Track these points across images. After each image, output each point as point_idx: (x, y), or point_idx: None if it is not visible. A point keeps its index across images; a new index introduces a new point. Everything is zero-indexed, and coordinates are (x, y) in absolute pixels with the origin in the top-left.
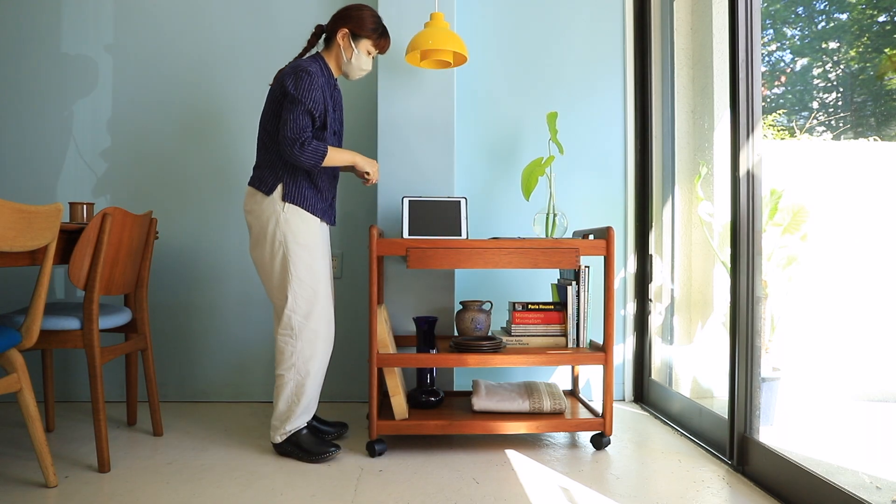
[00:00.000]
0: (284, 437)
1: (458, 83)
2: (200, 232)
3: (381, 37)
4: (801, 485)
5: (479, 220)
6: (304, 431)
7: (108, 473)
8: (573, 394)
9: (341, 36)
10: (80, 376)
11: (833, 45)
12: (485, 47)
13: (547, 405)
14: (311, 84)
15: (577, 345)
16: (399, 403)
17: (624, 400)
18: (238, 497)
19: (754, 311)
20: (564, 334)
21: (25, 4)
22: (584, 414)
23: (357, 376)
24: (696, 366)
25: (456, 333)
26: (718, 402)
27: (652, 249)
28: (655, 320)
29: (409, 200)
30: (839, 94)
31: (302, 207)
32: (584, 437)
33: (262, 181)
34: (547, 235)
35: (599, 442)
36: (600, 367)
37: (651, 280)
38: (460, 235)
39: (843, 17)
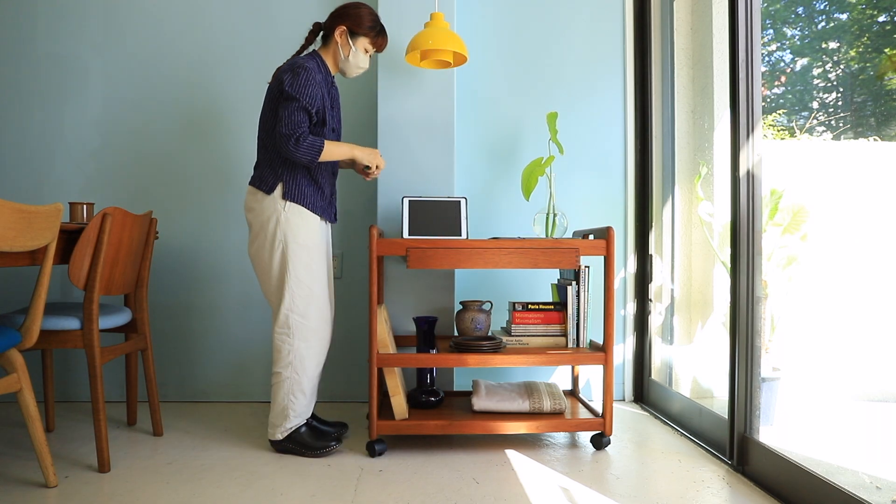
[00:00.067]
0: (285, 435)
1: (458, 83)
2: (200, 232)
3: (378, 35)
4: (801, 485)
5: (479, 220)
6: (304, 429)
7: (108, 473)
8: (573, 394)
9: (339, 33)
10: (80, 376)
11: (833, 45)
12: (485, 47)
13: (547, 405)
14: (308, 80)
15: (577, 345)
16: (399, 403)
17: (624, 400)
18: (238, 497)
19: (754, 311)
20: (564, 334)
21: (26, 4)
22: (584, 414)
23: (357, 376)
24: (696, 366)
25: (456, 333)
26: (718, 402)
27: (652, 249)
28: (655, 320)
29: (409, 200)
30: (839, 94)
31: (302, 205)
32: (584, 437)
33: (262, 180)
34: (547, 235)
35: (599, 442)
36: (600, 367)
37: (651, 280)
38: (460, 235)
39: (843, 17)
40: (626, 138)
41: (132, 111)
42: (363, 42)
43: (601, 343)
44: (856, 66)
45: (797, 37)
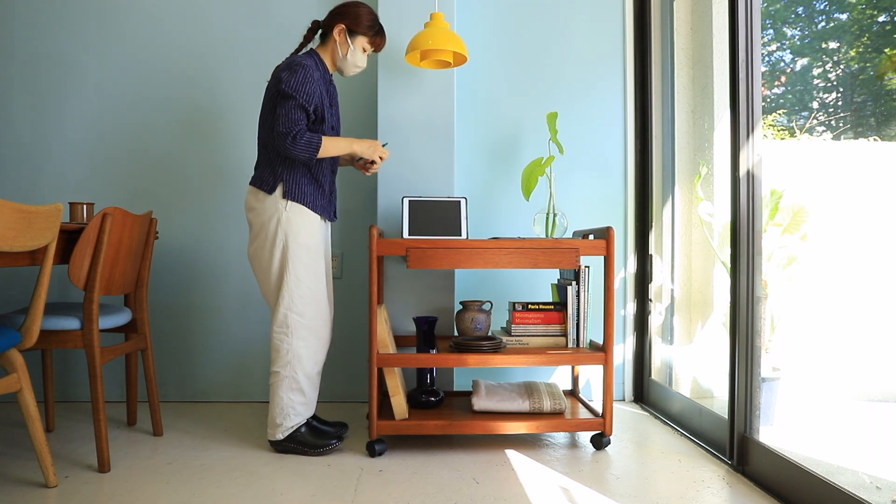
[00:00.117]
0: (285, 435)
1: (458, 83)
2: (200, 232)
3: (376, 34)
4: (801, 485)
5: (479, 220)
6: (304, 429)
7: (108, 473)
8: (573, 394)
9: (338, 32)
10: (80, 376)
11: (833, 45)
12: (485, 47)
13: (547, 405)
14: (306, 78)
15: (577, 345)
16: (399, 403)
17: (624, 400)
18: (238, 497)
19: (754, 311)
20: (564, 334)
21: (25, 4)
22: (584, 414)
23: (357, 376)
24: (696, 366)
25: (456, 333)
26: (718, 402)
27: (652, 249)
28: (655, 320)
29: (409, 200)
30: (839, 94)
31: (303, 204)
32: (584, 437)
33: (262, 180)
34: (547, 235)
35: (599, 442)
36: (600, 367)
37: (651, 280)
38: (460, 235)
39: (843, 17)
40: (626, 138)
41: (132, 111)
42: (361, 41)
43: (601, 343)
44: (856, 66)
45: (797, 37)
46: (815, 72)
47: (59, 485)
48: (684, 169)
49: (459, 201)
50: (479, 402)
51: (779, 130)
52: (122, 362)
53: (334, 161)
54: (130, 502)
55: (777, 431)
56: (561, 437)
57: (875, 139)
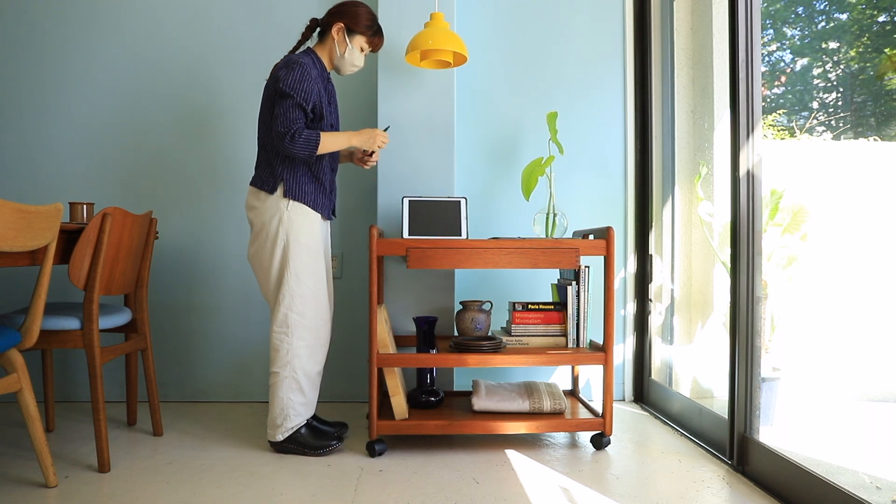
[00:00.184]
0: (285, 436)
1: (458, 83)
2: (200, 232)
3: (374, 34)
4: (801, 485)
5: (479, 220)
6: (304, 430)
7: (108, 473)
8: (573, 394)
9: (336, 30)
10: (80, 376)
11: (833, 45)
12: (485, 47)
13: (547, 405)
14: (303, 76)
15: (577, 345)
16: (399, 403)
17: (624, 400)
18: (238, 497)
19: (754, 311)
20: (564, 334)
21: (25, 4)
22: (584, 414)
23: (357, 376)
24: (696, 366)
25: (456, 333)
26: (718, 402)
27: (652, 249)
28: (655, 320)
29: (409, 200)
30: (839, 94)
31: (304, 203)
32: (584, 437)
33: (263, 180)
34: (547, 235)
35: (599, 442)
36: (600, 367)
37: (651, 280)
38: (460, 235)
39: (843, 17)
40: (626, 138)
41: (132, 111)
42: (360, 40)
43: (601, 343)
44: (856, 66)
45: (797, 37)
46: (815, 72)
47: (59, 485)
48: (684, 169)
49: (459, 201)
50: (479, 402)
51: (779, 130)
52: (122, 362)
53: (334, 159)
54: (130, 502)
55: (777, 431)
56: (561, 437)
57: (875, 139)
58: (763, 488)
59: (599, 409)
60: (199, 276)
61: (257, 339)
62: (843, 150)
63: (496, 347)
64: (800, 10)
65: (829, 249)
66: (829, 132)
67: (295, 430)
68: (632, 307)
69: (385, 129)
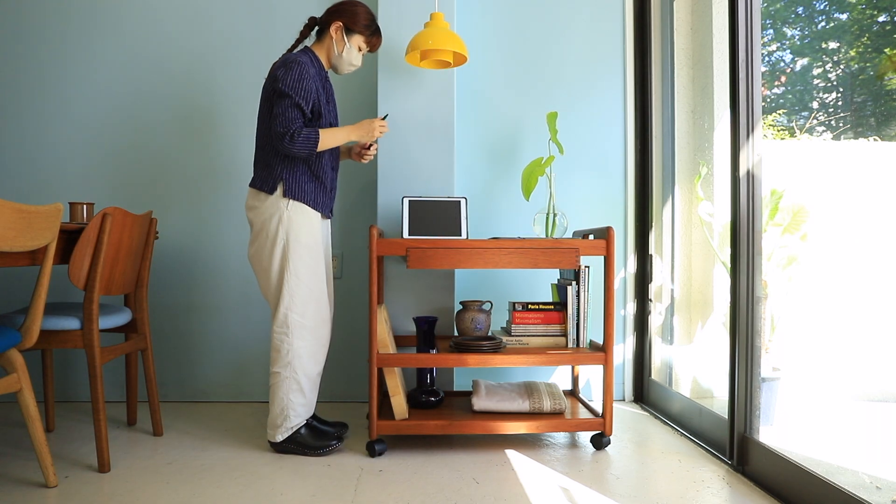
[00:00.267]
0: (285, 437)
1: (458, 83)
2: (200, 232)
3: (373, 34)
4: (801, 485)
5: (479, 220)
6: (304, 430)
7: (108, 473)
8: (573, 394)
9: (335, 29)
10: (80, 376)
11: (833, 45)
12: (485, 47)
13: (547, 405)
14: (302, 75)
15: (577, 345)
16: (399, 403)
17: (624, 400)
18: (238, 497)
19: (754, 311)
20: (564, 334)
21: (25, 4)
22: (584, 414)
23: (357, 376)
24: (696, 366)
25: (456, 333)
26: (718, 402)
27: (652, 249)
28: (655, 320)
29: (409, 200)
30: (839, 94)
31: (304, 202)
32: (584, 437)
33: (263, 181)
34: (547, 235)
35: (599, 442)
36: (600, 367)
37: (651, 280)
38: (460, 235)
39: (843, 17)
40: (626, 138)
41: (132, 111)
42: (358, 40)
43: (601, 343)
44: (856, 66)
45: (797, 37)
46: (815, 72)
47: (59, 485)
48: (684, 169)
49: (459, 201)
50: (479, 402)
51: (779, 130)
52: (122, 362)
53: (335, 157)
54: (130, 502)
55: (777, 431)
56: (561, 437)
57: (875, 139)
58: (763, 488)
59: (599, 409)
60: (198, 276)
61: (257, 339)
62: (843, 150)
63: (496, 347)
64: (800, 10)
65: (829, 249)
66: (829, 132)
67: (295, 430)
68: (632, 307)
69: (383, 118)
